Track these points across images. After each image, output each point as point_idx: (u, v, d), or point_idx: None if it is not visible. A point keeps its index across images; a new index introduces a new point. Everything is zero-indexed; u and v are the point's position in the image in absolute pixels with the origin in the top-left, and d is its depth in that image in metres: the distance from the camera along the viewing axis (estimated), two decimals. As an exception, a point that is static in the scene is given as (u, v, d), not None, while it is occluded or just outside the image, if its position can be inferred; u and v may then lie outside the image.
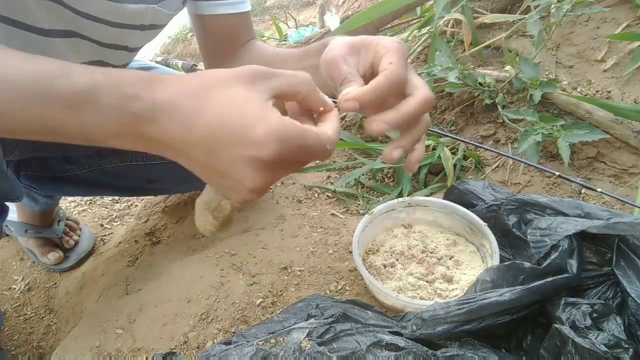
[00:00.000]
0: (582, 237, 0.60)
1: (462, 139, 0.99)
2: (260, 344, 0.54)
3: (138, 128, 0.35)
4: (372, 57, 0.48)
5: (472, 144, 1.01)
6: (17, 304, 1.07)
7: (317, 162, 1.23)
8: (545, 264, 0.57)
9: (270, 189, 1.05)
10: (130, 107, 0.34)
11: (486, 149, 0.89)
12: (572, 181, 0.71)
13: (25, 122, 0.35)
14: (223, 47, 0.77)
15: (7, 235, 1.18)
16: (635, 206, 0.72)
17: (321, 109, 0.42)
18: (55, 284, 1.09)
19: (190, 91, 0.35)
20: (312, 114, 0.43)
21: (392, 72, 0.43)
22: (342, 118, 1.33)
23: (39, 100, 0.34)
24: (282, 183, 1.15)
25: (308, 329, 0.55)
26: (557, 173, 0.71)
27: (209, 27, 0.75)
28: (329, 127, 0.40)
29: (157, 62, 1.86)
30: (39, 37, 0.57)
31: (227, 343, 0.59)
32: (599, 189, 0.68)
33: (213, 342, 0.69)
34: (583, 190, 0.91)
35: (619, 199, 0.67)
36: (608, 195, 0.68)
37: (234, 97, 0.34)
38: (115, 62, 0.72)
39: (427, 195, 1.02)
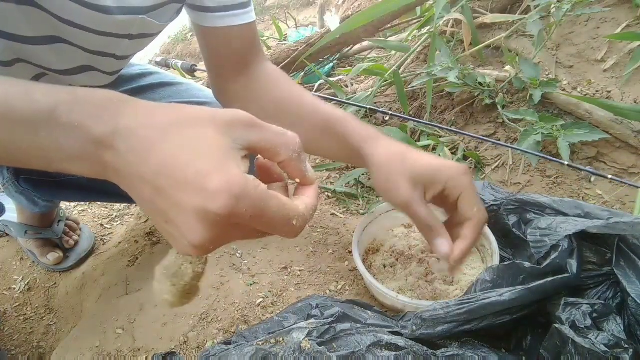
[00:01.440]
0: (582, 237, 0.60)
1: (472, 135, 0.98)
2: (260, 344, 0.54)
3: (96, 151, 0.32)
4: (442, 189, 0.56)
5: (482, 139, 1.01)
6: (17, 304, 1.07)
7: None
8: (545, 264, 0.57)
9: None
10: (91, 128, 0.32)
11: (494, 143, 0.88)
12: (581, 169, 0.70)
13: None
14: (226, 63, 0.72)
15: (7, 235, 1.18)
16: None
17: (297, 180, 0.37)
18: (55, 284, 1.09)
19: (158, 123, 0.32)
20: (287, 186, 0.38)
21: (480, 221, 0.54)
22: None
23: None
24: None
25: (308, 329, 0.55)
26: (566, 162, 0.70)
27: (210, 39, 0.70)
28: (302, 201, 0.36)
29: (156, 62, 1.86)
30: (22, 46, 0.56)
31: (227, 343, 0.59)
32: (609, 176, 0.67)
33: (213, 342, 0.69)
34: (592, 178, 0.91)
35: (627, 183, 0.67)
36: (618, 181, 0.68)
37: (200, 138, 0.31)
38: (104, 68, 0.70)
39: (427, 195, 1.01)
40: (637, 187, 0.68)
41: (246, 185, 0.30)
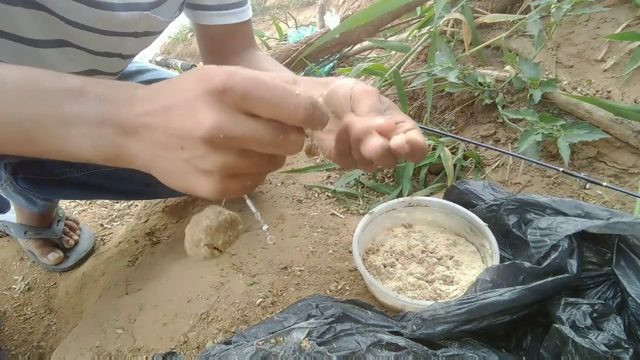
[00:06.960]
0: (582, 237, 0.60)
1: (464, 139, 0.98)
2: (260, 344, 0.54)
3: (118, 112, 0.36)
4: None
5: (475, 144, 1.01)
6: (17, 304, 1.07)
7: (314, 161, 1.23)
8: (545, 263, 0.57)
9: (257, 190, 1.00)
10: (116, 96, 0.36)
11: (489, 148, 0.89)
12: (577, 176, 0.70)
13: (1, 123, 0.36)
14: (221, 52, 0.76)
15: (7, 235, 1.18)
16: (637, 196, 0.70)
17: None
18: (55, 284, 1.09)
19: (164, 85, 0.36)
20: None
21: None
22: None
23: (24, 97, 0.36)
24: (282, 183, 1.15)
25: (308, 329, 0.55)
26: (562, 169, 0.71)
27: (208, 34, 0.74)
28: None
29: (157, 62, 1.86)
30: (29, 48, 0.57)
31: (227, 343, 0.59)
32: (604, 183, 0.67)
33: (213, 342, 0.69)
34: (587, 185, 0.90)
35: (624, 192, 0.67)
36: (613, 188, 0.68)
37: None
38: (108, 69, 0.71)
39: (427, 195, 1.02)
40: (633, 195, 0.68)
41: (237, 68, 0.33)
